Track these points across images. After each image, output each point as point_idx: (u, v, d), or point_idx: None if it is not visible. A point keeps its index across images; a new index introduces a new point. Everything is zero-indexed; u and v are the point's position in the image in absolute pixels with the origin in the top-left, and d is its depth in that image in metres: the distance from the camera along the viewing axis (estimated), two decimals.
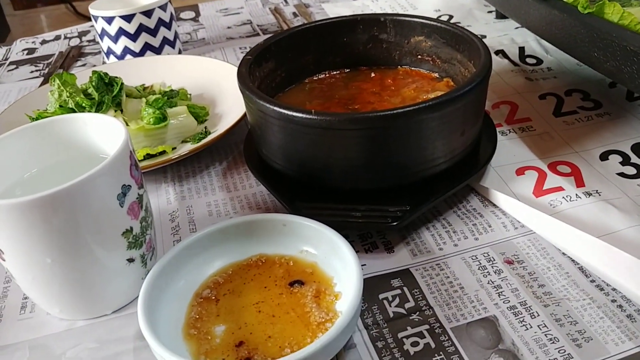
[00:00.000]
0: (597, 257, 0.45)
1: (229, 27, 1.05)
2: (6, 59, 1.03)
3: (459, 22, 0.93)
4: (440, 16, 0.97)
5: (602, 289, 0.44)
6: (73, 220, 0.40)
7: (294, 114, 0.48)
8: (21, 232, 0.40)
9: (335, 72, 0.68)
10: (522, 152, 0.59)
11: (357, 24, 0.66)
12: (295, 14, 1.08)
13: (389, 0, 1.07)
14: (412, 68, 0.66)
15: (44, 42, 1.09)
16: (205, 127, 0.65)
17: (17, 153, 0.47)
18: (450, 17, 0.96)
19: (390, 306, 0.44)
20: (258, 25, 1.04)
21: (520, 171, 0.57)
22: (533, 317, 0.42)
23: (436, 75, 0.64)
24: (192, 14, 1.13)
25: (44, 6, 2.99)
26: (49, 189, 0.38)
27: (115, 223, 0.43)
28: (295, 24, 1.02)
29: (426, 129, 0.48)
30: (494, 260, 0.47)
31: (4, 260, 0.42)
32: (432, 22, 0.62)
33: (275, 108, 0.49)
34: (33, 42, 1.09)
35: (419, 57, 0.65)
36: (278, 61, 0.63)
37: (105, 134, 0.46)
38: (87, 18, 2.80)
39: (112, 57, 0.86)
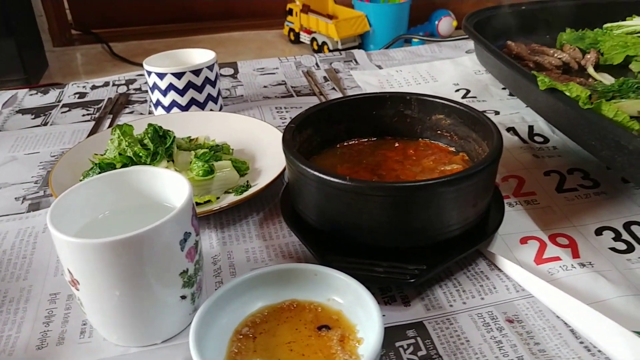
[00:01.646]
0: (586, 322, 0.52)
1: (265, 87, 1.14)
2: (59, 101, 1.13)
3: (476, 97, 1.02)
4: (458, 90, 1.06)
5: (589, 350, 0.50)
6: (140, 260, 0.48)
7: (330, 178, 0.56)
8: (97, 268, 0.47)
9: (364, 140, 0.76)
10: (526, 223, 0.67)
11: (385, 100, 0.75)
12: (325, 78, 1.17)
13: (412, 71, 1.17)
14: (432, 141, 0.74)
15: (94, 87, 1.19)
16: (247, 181, 0.73)
17: (94, 196, 0.55)
18: (468, 91, 1.05)
19: (405, 353, 0.51)
20: (292, 87, 1.14)
21: (523, 240, 0.64)
22: None
23: (453, 149, 0.72)
24: (231, 71, 1.24)
25: (81, 44, 3.16)
26: (121, 232, 0.46)
27: (175, 264, 0.50)
28: (325, 88, 1.12)
29: (443, 200, 0.56)
30: (497, 318, 0.54)
31: (77, 289, 0.50)
32: (451, 104, 0.71)
33: (314, 172, 0.57)
34: (84, 87, 1.20)
35: (439, 132, 0.74)
36: (315, 128, 0.71)
37: (170, 186, 0.55)
38: (121, 58, 2.96)
39: (160, 108, 0.96)
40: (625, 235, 0.65)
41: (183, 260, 0.51)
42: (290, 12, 2.89)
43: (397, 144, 0.75)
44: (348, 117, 0.74)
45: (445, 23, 2.84)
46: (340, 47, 2.59)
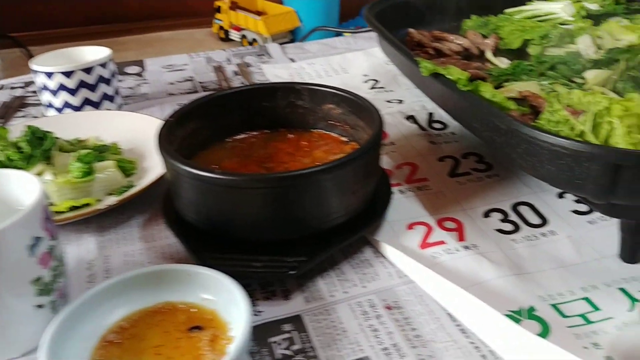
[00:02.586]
0: (461, 305, 0.51)
1: (171, 83, 1.11)
2: None
3: (384, 87, 1.01)
4: (367, 80, 1.05)
5: (464, 332, 0.50)
6: None
7: (201, 172, 0.53)
8: None
9: (257, 133, 0.74)
10: (415, 209, 0.66)
11: (275, 91, 0.73)
12: (236, 73, 1.15)
13: (324, 64, 1.15)
14: (326, 132, 0.73)
15: None
16: (132, 181, 0.70)
17: None
18: (376, 81, 1.04)
19: (278, 349, 0.49)
20: (200, 82, 1.11)
21: (411, 226, 0.63)
22: (402, 357, 0.47)
23: (345, 139, 0.71)
24: (137, 69, 1.19)
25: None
26: None
27: (24, 271, 0.47)
28: (234, 82, 1.09)
29: (318, 188, 0.54)
30: (376, 305, 0.53)
31: None
32: (339, 92, 0.70)
33: (185, 167, 0.54)
34: None
35: (331, 122, 0.72)
36: (202, 122, 0.69)
37: (22, 188, 0.51)
38: None
39: (52, 110, 0.91)
40: (513, 216, 0.65)
41: (34, 267, 0.47)
42: (219, 9, 2.85)
43: (290, 136, 0.73)
44: (238, 110, 0.72)
45: None
46: (270, 43, 2.55)
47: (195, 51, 2.58)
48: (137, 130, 0.82)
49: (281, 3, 2.61)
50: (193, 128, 0.68)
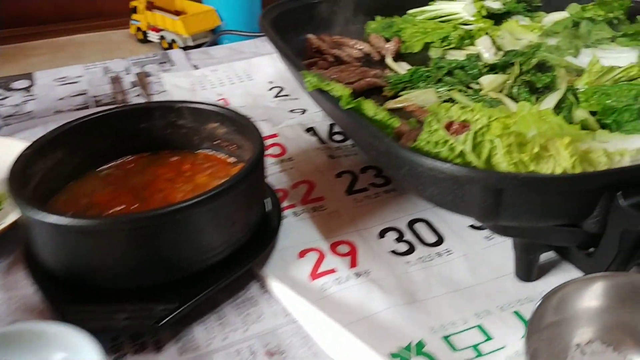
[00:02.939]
0: (343, 346, 0.47)
1: (61, 99, 1.02)
2: None
3: (289, 95, 0.97)
4: (272, 88, 1.00)
5: None
6: None
7: (46, 218, 0.47)
8: None
9: (135, 156, 0.68)
10: (308, 233, 0.62)
11: (153, 111, 0.66)
12: (134, 84, 1.07)
13: (228, 70, 1.09)
14: (212, 152, 0.67)
15: None
16: None
17: None
18: (281, 89, 0.99)
19: None
20: (94, 97, 1.03)
21: (302, 253, 0.59)
22: None
23: (233, 160, 0.66)
24: (26, 83, 1.09)
25: None
26: None
27: None
28: (130, 95, 1.02)
29: (186, 226, 0.49)
30: (257, 352, 0.48)
31: None
32: (222, 110, 0.65)
33: (31, 211, 0.48)
34: None
35: (216, 142, 0.67)
36: (68, 149, 0.62)
37: None
38: None
39: None
40: (408, 235, 0.61)
41: None
42: (135, 10, 2.72)
43: (173, 158, 0.67)
44: (111, 134, 0.65)
45: None
46: (191, 43, 2.45)
47: (113, 54, 2.44)
48: (7, 158, 0.73)
49: (200, 2, 2.52)
50: (59, 158, 0.61)
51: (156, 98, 1.00)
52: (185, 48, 2.13)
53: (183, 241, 0.50)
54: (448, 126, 0.49)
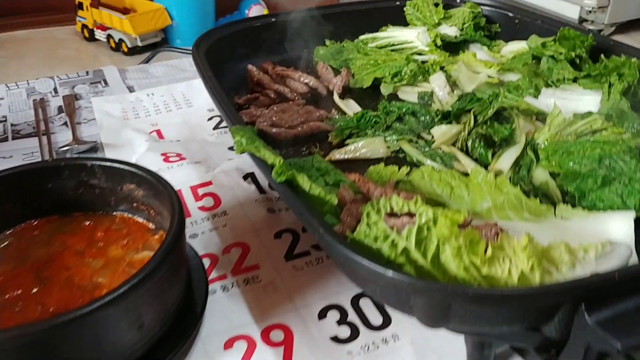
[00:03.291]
0: None
1: None
2: None
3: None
4: (211, 117, 0.92)
5: None
6: None
7: None
8: None
9: (42, 220, 0.59)
10: (238, 315, 0.54)
11: (61, 170, 0.58)
12: (61, 109, 0.97)
13: (165, 94, 1.00)
14: (130, 215, 0.59)
15: None
16: None
17: None
18: (222, 119, 0.91)
19: None
20: (13, 125, 0.92)
21: (229, 343, 0.52)
22: None
23: (153, 226, 0.58)
24: None
25: None
26: None
27: None
28: (55, 123, 0.92)
29: (76, 338, 0.41)
30: None
31: None
32: (139, 172, 0.56)
33: None
34: None
35: (135, 205, 0.59)
36: None
37: None
38: None
39: None
40: (352, 315, 0.55)
41: None
42: (81, 5, 2.56)
43: (86, 223, 0.59)
44: (14, 195, 0.57)
45: (256, 11, 2.70)
46: (139, 43, 2.31)
47: (56, 53, 2.26)
48: None
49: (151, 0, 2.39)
50: None
51: (83, 128, 0.91)
52: (134, 48, 2.00)
53: (79, 351, 0.42)
54: (389, 216, 0.42)
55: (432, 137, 0.64)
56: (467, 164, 0.60)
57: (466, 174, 0.55)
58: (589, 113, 0.65)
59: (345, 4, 0.94)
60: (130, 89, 1.04)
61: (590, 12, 2.08)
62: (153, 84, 1.07)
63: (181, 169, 0.74)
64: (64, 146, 0.84)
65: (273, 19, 0.89)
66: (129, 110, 0.95)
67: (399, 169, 0.59)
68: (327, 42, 0.92)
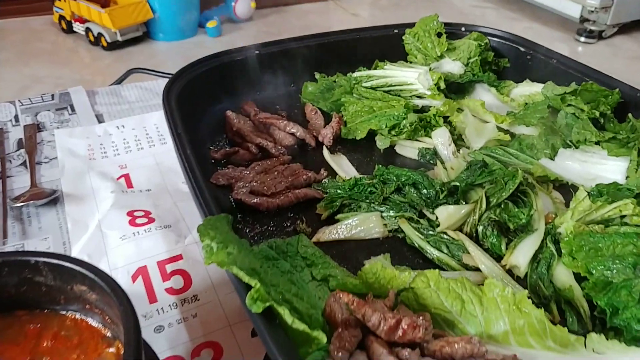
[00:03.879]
0: None
1: None
2: None
3: None
4: None
5: None
6: None
7: None
8: None
9: None
10: None
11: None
12: (20, 144, 0.87)
13: (137, 127, 0.90)
14: (83, 317, 0.50)
15: None
16: None
17: None
18: None
19: None
20: None
21: None
22: None
23: (109, 334, 0.49)
24: None
25: None
26: None
27: None
28: (13, 163, 0.82)
29: None
30: None
31: None
32: (90, 274, 0.47)
33: None
34: None
35: (87, 307, 0.50)
36: None
37: None
38: None
39: None
40: None
41: None
42: None
43: (31, 325, 0.50)
44: None
45: (243, 4, 2.57)
46: (119, 38, 2.17)
47: (30, 47, 2.11)
48: None
49: None
50: None
51: (44, 170, 0.81)
52: (114, 43, 1.88)
53: None
54: None
55: (437, 218, 0.56)
56: (478, 257, 0.51)
57: (479, 283, 0.46)
58: (615, 185, 0.57)
59: (337, 32, 0.84)
60: (99, 118, 0.94)
61: (592, 12, 2.00)
62: (124, 112, 0.97)
63: (148, 238, 0.65)
64: (19, 197, 0.75)
65: (256, 51, 0.79)
66: (96, 148, 0.85)
67: (398, 262, 0.50)
68: (317, 75, 0.83)
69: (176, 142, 0.62)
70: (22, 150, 0.86)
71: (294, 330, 0.40)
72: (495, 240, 0.53)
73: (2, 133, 0.90)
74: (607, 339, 0.42)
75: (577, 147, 0.63)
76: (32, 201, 0.73)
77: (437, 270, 0.46)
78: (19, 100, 0.99)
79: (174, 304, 0.58)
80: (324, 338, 0.39)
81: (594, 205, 0.53)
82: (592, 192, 0.57)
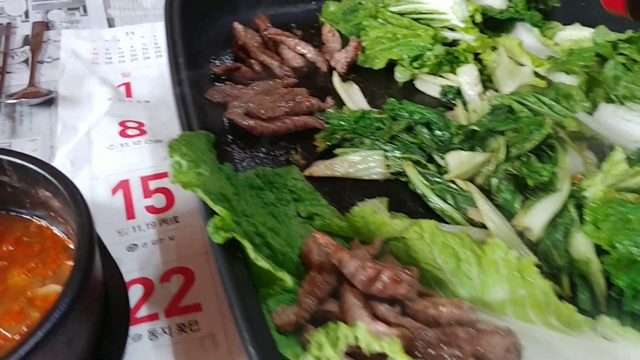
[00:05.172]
0: None
1: None
2: None
3: None
4: None
5: None
6: None
7: None
8: None
9: None
10: None
11: None
12: (26, 41, 0.82)
13: (147, 35, 0.84)
14: (47, 224, 0.47)
15: None
16: None
17: None
18: None
19: None
20: None
21: None
22: None
23: (71, 245, 0.45)
24: None
25: None
26: None
27: None
28: (16, 59, 0.78)
29: None
30: None
31: None
32: (53, 180, 0.43)
33: None
34: None
35: (52, 214, 0.46)
36: None
37: None
38: None
39: None
40: None
41: None
42: None
43: None
44: None
45: None
46: None
47: None
48: None
49: None
50: None
51: (45, 70, 0.77)
52: None
53: None
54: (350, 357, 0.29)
55: (447, 164, 0.49)
56: (486, 212, 0.45)
57: (483, 242, 0.40)
58: None
59: None
60: (111, 22, 0.88)
61: None
62: (137, 18, 0.90)
63: (136, 150, 0.60)
64: (14, 94, 0.71)
65: None
66: (101, 53, 0.80)
67: (395, 208, 0.45)
68: None
69: (170, 47, 0.56)
70: (27, 48, 0.81)
71: (259, 268, 0.35)
72: (509, 196, 0.46)
73: (9, 28, 0.86)
74: (622, 325, 0.36)
75: (622, 104, 0.55)
76: (25, 99, 0.69)
77: (433, 220, 0.41)
78: None
79: (152, 223, 0.54)
80: (289, 280, 0.34)
81: (631, 171, 0.46)
82: (632, 156, 0.49)
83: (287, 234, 0.41)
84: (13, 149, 0.63)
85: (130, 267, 0.50)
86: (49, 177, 0.43)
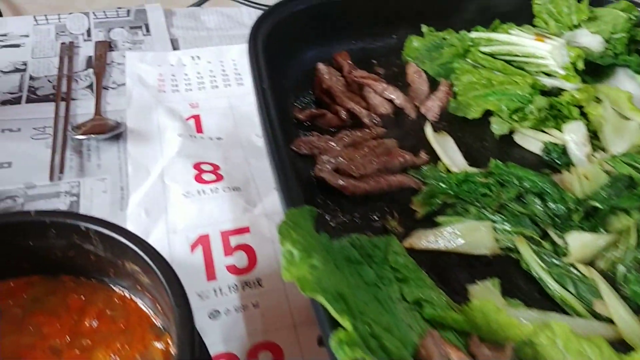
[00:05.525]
0: None
1: None
2: None
3: None
4: None
5: None
6: None
7: None
8: None
9: (22, 279, 0.44)
10: None
11: (46, 229, 0.42)
12: (89, 63, 0.80)
13: (214, 60, 0.81)
14: (133, 297, 0.44)
15: None
16: None
17: None
18: None
19: None
20: (31, 78, 0.77)
21: None
22: None
23: (158, 323, 0.42)
24: None
25: None
26: None
27: None
28: (80, 84, 0.76)
29: None
30: None
31: None
32: (145, 257, 0.40)
33: None
34: None
35: (139, 287, 0.43)
36: None
37: None
38: None
39: None
40: None
41: None
42: None
43: (74, 297, 0.44)
44: None
45: None
46: None
47: None
48: None
49: None
50: None
51: (110, 97, 0.74)
52: None
53: None
54: None
55: (566, 244, 0.45)
56: (614, 307, 0.41)
57: (612, 340, 0.36)
58: None
59: None
60: (174, 43, 0.86)
61: None
62: (201, 39, 0.88)
63: (214, 199, 0.57)
64: (80, 126, 0.68)
65: None
66: (167, 79, 0.77)
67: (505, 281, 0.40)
68: (424, 28, 0.70)
69: (260, 97, 0.52)
70: (90, 71, 0.79)
71: None
72: (638, 288, 0.42)
73: (72, 47, 0.84)
74: None
75: None
76: (94, 135, 0.66)
77: (566, 324, 0.36)
78: (93, 13, 0.91)
79: (235, 286, 0.51)
80: None
81: None
82: None
83: (398, 328, 0.38)
84: (82, 189, 0.61)
85: (213, 339, 0.47)
86: (139, 252, 0.40)
